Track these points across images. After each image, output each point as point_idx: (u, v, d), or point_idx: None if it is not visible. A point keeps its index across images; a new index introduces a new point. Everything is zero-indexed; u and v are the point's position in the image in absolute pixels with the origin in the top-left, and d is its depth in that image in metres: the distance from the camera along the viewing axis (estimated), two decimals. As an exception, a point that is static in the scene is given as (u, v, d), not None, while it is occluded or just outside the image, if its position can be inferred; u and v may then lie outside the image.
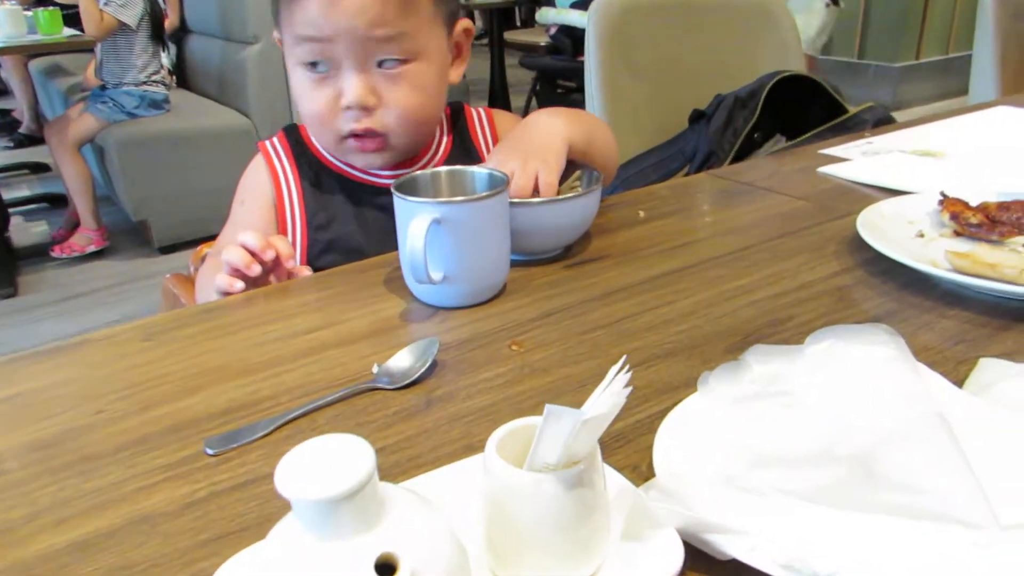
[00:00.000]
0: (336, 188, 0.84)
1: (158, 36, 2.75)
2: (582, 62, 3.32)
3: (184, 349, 0.60)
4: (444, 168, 0.69)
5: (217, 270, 0.73)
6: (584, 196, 0.70)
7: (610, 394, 0.35)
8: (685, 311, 0.63)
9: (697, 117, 1.27)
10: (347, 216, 0.84)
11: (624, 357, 0.40)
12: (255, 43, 2.76)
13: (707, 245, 0.76)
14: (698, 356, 0.56)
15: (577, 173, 0.75)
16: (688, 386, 0.52)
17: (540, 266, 0.72)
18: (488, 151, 0.89)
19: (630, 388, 0.36)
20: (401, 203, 0.62)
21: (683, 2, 1.48)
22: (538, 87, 3.56)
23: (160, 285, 0.97)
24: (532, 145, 0.73)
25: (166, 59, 3.07)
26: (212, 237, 0.92)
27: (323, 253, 0.83)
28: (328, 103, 0.76)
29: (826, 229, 0.79)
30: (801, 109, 1.31)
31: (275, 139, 0.87)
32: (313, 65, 0.76)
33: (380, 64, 0.75)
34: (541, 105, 3.62)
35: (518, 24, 5.91)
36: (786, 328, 0.60)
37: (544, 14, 3.29)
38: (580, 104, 3.55)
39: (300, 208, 0.84)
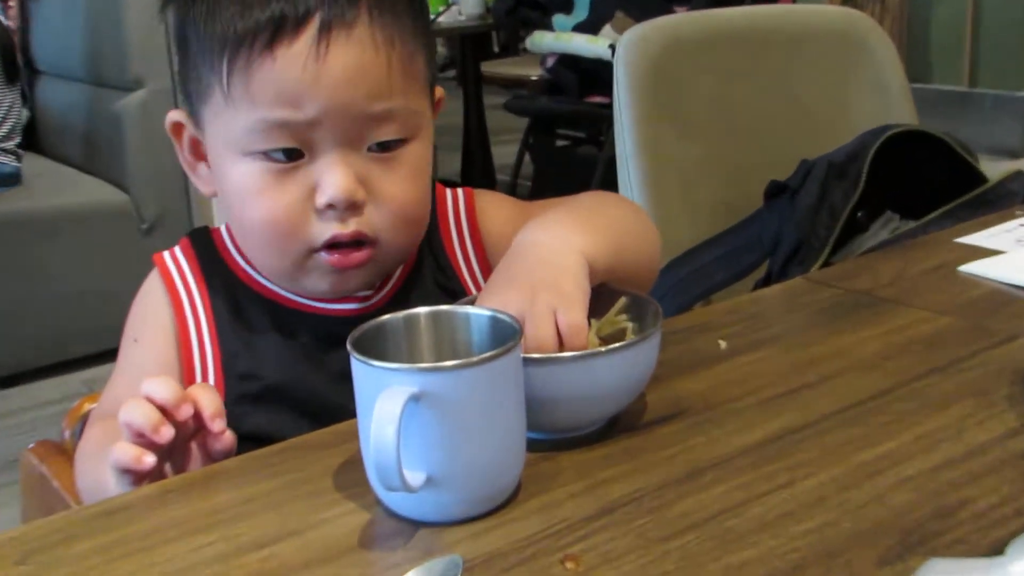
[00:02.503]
0: (267, 319, 0.84)
1: (10, 75, 2.77)
2: (594, 105, 3.43)
3: (75, 578, 0.58)
4: (424, 310, 0.67)
5: (110, 437, 0.71)
6: (640, 343, 0.68)
7: None
8: (810, 498, 0.62)
9: (777, 191, 1.29)
10: (284, 358, 0.82)
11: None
12: (136, 90, 2.81)
13: (824, 391, 0.75)
14: (840, 572, 0.54)
15: (622, 302, 0.75)
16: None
17: (585, 437, 0.71)
18: (466, 259, 0.89)
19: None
20: (363, 369, 0.60)
21: (744, 31, 1.53)
22: (531, 139, 3.63)
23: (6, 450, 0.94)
24: (536, 273, 0.71)
25: (25, 111, 3.10)
26: (77, 363, 0.90)
27: (250, 413, 0.81)
28: (296, 203, 0.77)
29: (989, 360, 0.79)
30: (915, 173, 1.33)
31: (176, 250, 0.87)
32: (281, 154, 0.76)
33: (370, 147, 0.78)
34: (537, 164, 3.70)
35: (496, 50, 6.09)
36: (961, 521, 0.58)
37: (538, 40, 3.38)
38: (590, 165, 3.60)
39: (214, 349, 0.83)
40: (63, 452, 0.91)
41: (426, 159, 0.81)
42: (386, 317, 0.66)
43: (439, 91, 0.86)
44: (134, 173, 2.83)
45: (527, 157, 3.71)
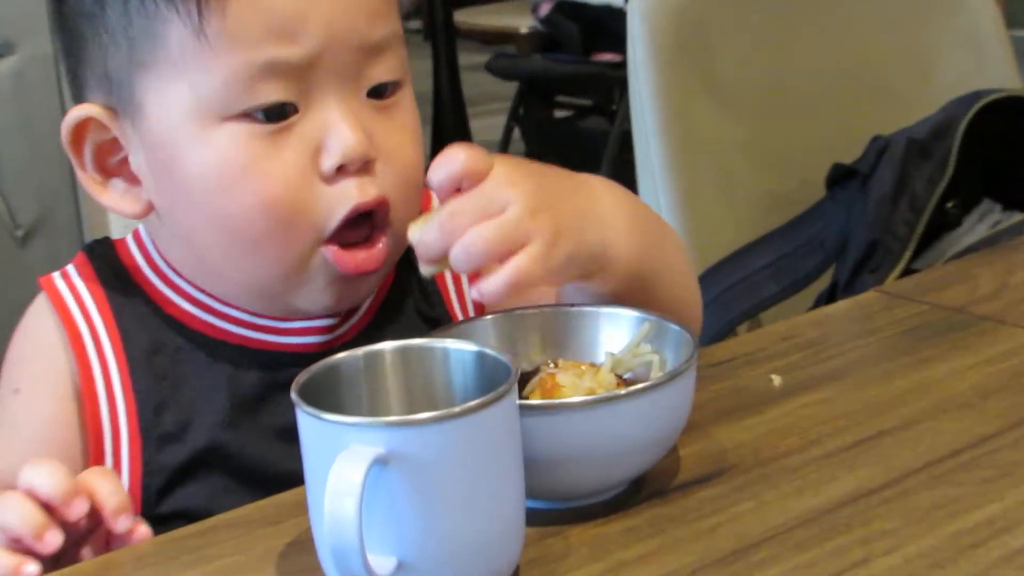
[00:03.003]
0: (197, 360, 0.84)
1: None
2: (603, 65, 3.45)
3: None
4: (389, 345, 0.68)
5: None
6: (670, 383, 0.69)
7: None
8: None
9: (843, 177, 1.31)
10: (220, 411, 0.83)
11: None
12: (5, 56, 2.82)
13: (907, 440, 0.77)
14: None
15: (645, 328, 0.76)
16: None
17: (600, 505, 0.71)
18: (456, 282, 0.91)
19: None
20: (312, 425, 0.60)
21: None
22: (522, 109, 3.66)
23: None
24: (573, 207, 0.75)
25: None
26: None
27: (175, 484, 0.81)
28: (297, 174, 0.78)
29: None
30: (1019, 151, 1.35)
31: (71, 270, 0.86)
32: (264, 114, 0.77)
33: (370, 93, 0.81)
34: (530, 142, 3.72)
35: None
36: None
37: (527, -19, 3.42)
38: (599, 141, 3.63)
39: (127, 403, 0.83)
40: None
41: (416, 108, 0.85)
42: (342, 355, 0.67)
43: None
44: (4, 164, 2.84)
45: (516, 132, 3.73)
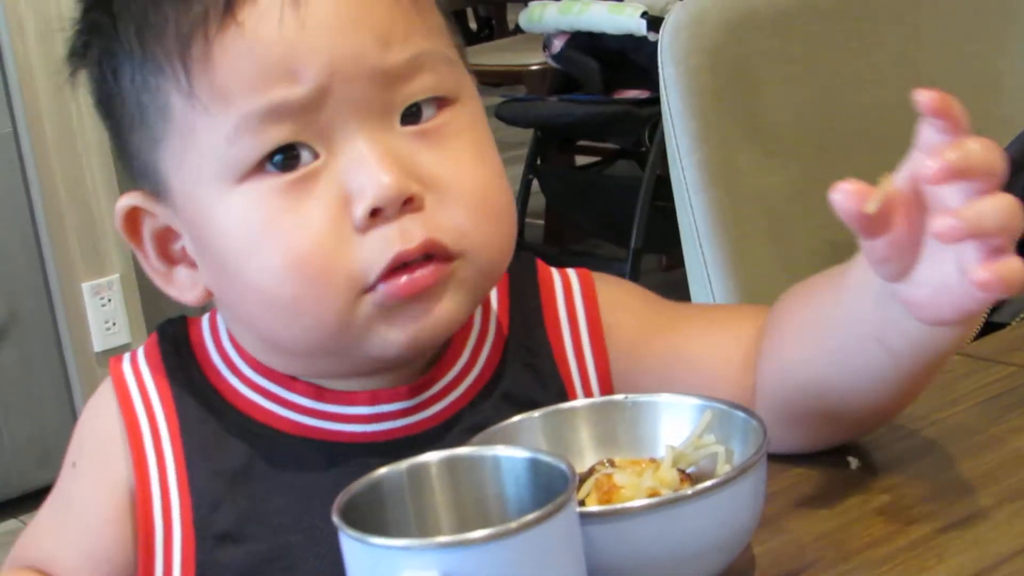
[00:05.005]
0: (260, 454, 0.87)
1: None
2: (628, 103, 3.46)
3: None
4: (434, 456, 0.71)
5: None
6: (741, 479, 0.72)
7: None
8: None
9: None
10: (284, 510, 0.86)
11: None
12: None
13: (1001, 519, 0.79)
14: None
15: (707, 417, 0.79)
16: None
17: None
18: (579, 361, 0.93)
19: None
20: (357, 549, 0.63)
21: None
22: (539, 159, 3.67)
23: None
24: None
25: None
26: None
27: None
28: (326, 226, 0.79)
29: None
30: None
31: (140, 354, 0.91)
32: (281, 159, 0.79)
33: (405, 119, 0.82)
34: (551, 195, 3.72)
35: (473, 28, 6.19)
36: None
37: (536, 15, 3.45)
38: (630, 190, 3.61)
39: (182, 497, 0.87)
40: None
41: (485, 129, 0.86)
42: (383, 471, 0.70)
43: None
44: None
45: (535, 185, 3.73)
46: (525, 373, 0.91)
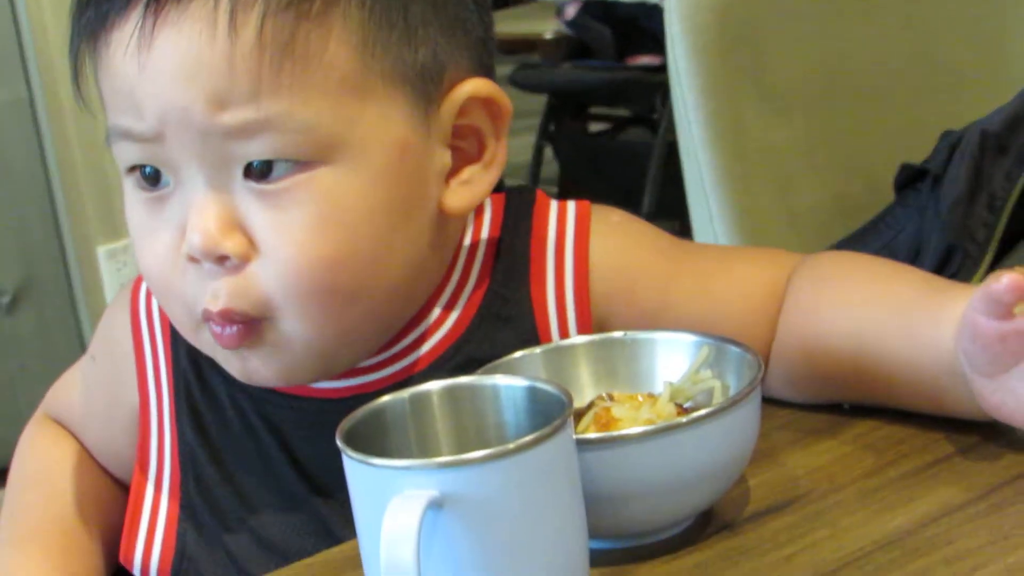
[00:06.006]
0: (234, 404, 0.92)
1: None
2: (641, 69, 3.47)
3: None
4: (436, 385, 0.73)
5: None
6: (734, 408, 0.74)
7: None
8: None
9: (913, 179, 1.34)
10: (254, 460, 0.91)
11: None
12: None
13: (994, 452, 0.81)
14: None
15: (704, 353, 0.81)
16: None
17: (666, 541, 0.77)
18: (560, 308, 0.92)
19: None
20: (361, 472, 0.66)
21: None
22: (552, 125, 3.68)
23: None
24: None
25: None
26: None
27: (210, 534, 0.91)
28: (168, 251, 0.83)
29: None
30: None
31: None
32: (144, 176, 0.83)
33: (248, 174, 0.80)
34: (564, 161, 3.74)
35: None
36: None
37: (550, -20, 3.45)
38: (642, 156, 3.57)
39: (172, 437, 0.93)
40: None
41: (352, 196, 0.81)
42: (386, 399, 0.73)
43: (478, 85, 0.86)
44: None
45: (548, 151, 3.74)
46: (499, 328, 0.91)
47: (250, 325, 0.81)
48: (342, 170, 0.80)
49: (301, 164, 0.79)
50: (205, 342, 0.84)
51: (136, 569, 0.94)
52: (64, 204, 2.89)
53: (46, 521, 0.97)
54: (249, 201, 0.80)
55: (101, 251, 2.97)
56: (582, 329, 0.91)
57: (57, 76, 2.87)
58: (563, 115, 3.69)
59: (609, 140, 3.82)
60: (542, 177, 3.75)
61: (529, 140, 3.84)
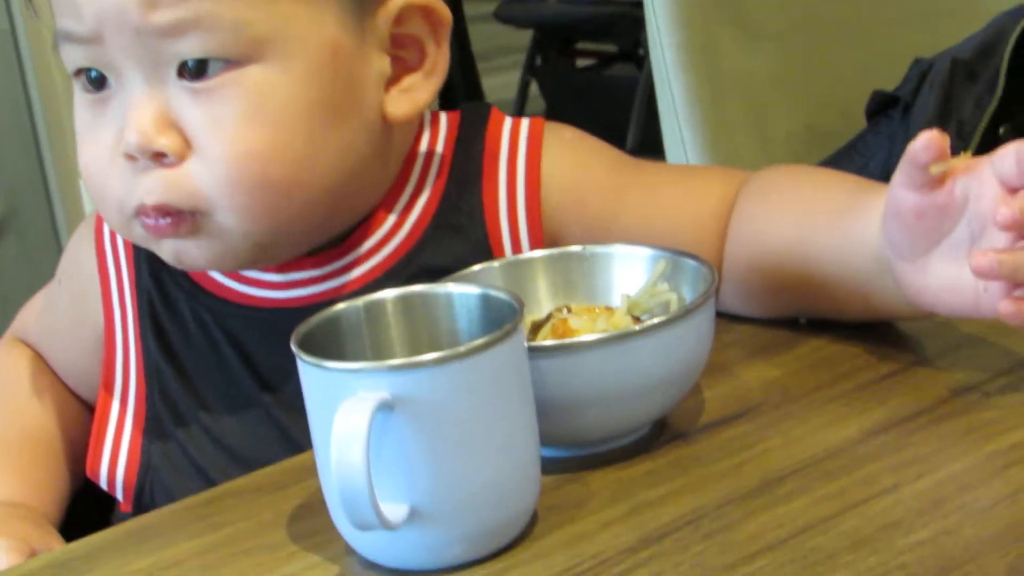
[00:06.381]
0: (197, 314, 0.94)
1: None
2: (627, 3, 3.47)
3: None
4: (391, 293, 0.75)
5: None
6: (687, 317, 0.75)
7: None
8: (921, 503, 0.69)
9: (884, 106, 1.35)
10: (215, 372, 0.94)
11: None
12: (-40, 33, 2.89)
13: (942, 368, 0.83)
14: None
15: (661, 266, 0.83)
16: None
17: (620, 450, 0.78)
18: (512, 222, 0.95)
19: None
20: (314, 375, 0.67)
21: None
22: (538, 61, 3.69)
23: None
24: None
25: None
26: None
27: (178, 445, 0.93)
28: (106, 151, 0.86)
29: None
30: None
31: None
32: (89, 79, 0.86)
33: (182, 73, 0.83)
34: (550, 97, 3.75)
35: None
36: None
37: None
38: (627, 92, 3.58)
39: (137, 352, 0.95)
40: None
41: (282, 93, 0.84)
42: (341, 306, 0.74)
43: None
44: (-35, 152, 2.92)
45: (534, 87, 3.74)
46: (452, 237, 0.93)
47: (183, 217, 0.84)
48: (272, 68, 0.83)
49: (232, 63, 0.82)
50: (138, 235, 0.87)
51: (102, 482, 0.96)
52: (47, 136, 2.89)
53: (12, 432, 0.99)
54: (183, 100, 0.83)
55: (84, 183, 2.97)
56: (534, 241, 0.93)
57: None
58: (549, 50, 3.70)
59: (595, 76, 3.83)
60: (527, 113, 3.75)
61: (515, 76, 3.85)
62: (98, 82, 0.85)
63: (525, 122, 0.97)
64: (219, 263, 0.89)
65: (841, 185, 0.90)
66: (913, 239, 0.77)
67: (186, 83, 0.83)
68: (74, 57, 0.85)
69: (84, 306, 0.98)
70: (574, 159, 0.96)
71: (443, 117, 0.97)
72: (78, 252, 1.01)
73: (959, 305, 0.77)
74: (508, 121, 0.97)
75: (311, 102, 0.85)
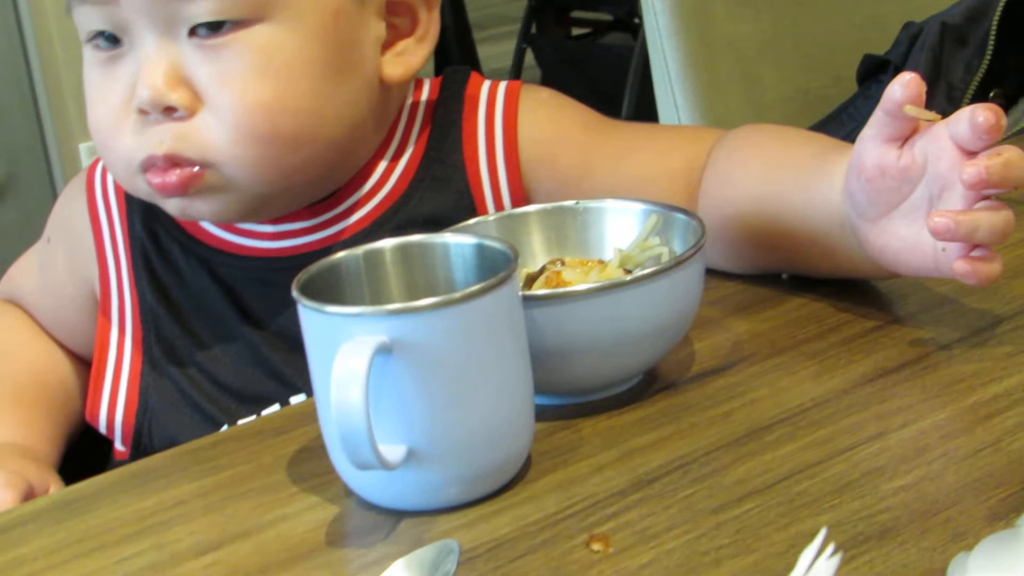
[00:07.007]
0: (191, 264, 0.97)
1: None
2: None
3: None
4: (389, 243, 0.77)
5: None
6: (678, 268, 0.77)
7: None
8: (905, 450, 0.71)
9: (874, 69, 1.36)
10: (214, 319, 0.96)
11: (824, 532, 0.47)
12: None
13: (927, 322, 0.85)
14: (942, 530, 0.63)
15: (652, 220, 0.84)
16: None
17: (612, 398, 0.80)
18: (492, 177, 0.98)
19: None
20: (315, 319, 0.69)
21: None
22: (534, 29, 3.69)
23: None
24: None
25: None
26: None
27: (176, 391, 0.96)
28: (117, 107, 0.89)
29: None
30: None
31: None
32: (103, 39, 0.88)
33: (194, 32, 0.86)
34: (545, 66, 3.75)
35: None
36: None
37: None
38: (622, 61, 3.57)
39: (132, 300, 0.98)
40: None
41: (288, 50, 0.88)
42: (341, 255, 0.76)
43: None
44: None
45: (529, 56, 3.74)
46: (436, 188, 0.97)
47: (191, 173, 0.87)
48: (279, 27, 0.87)
49: (241, 22, 0.86)
50: (143, 190, 0.90)
51: (101, 425, 0.98)
52: (46, 100, 2.90)
53: (9, 380, 1.02)
54: (194, 56, 0.86)
55: (83, 147, 2.99)
56: (514, 194, 0.97)
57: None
58: (545, 19, 3.71)
59: (590, 45, 3.83)
60: (524, 81, 3.74)
61: (511, 46, 3.85)
62: (110, 41, 0.87)
63: (503, 83, 1.02)
64: (222, 216, 0.92)
65: (809, 145, 0.91)
66: (875, 199, 0.78)
67: (197, 40, 0.86)
68: (88, 19, 0.87)
69: (75, 260, 1.01)
70: (548, 116, 1.00)
71: (427, 81, 1.02)
72: (67, 207, 1.03)
73: (918, 265, 0.78)
74: (487, 82, 1.01)
75: (315, 59, 0.88)
